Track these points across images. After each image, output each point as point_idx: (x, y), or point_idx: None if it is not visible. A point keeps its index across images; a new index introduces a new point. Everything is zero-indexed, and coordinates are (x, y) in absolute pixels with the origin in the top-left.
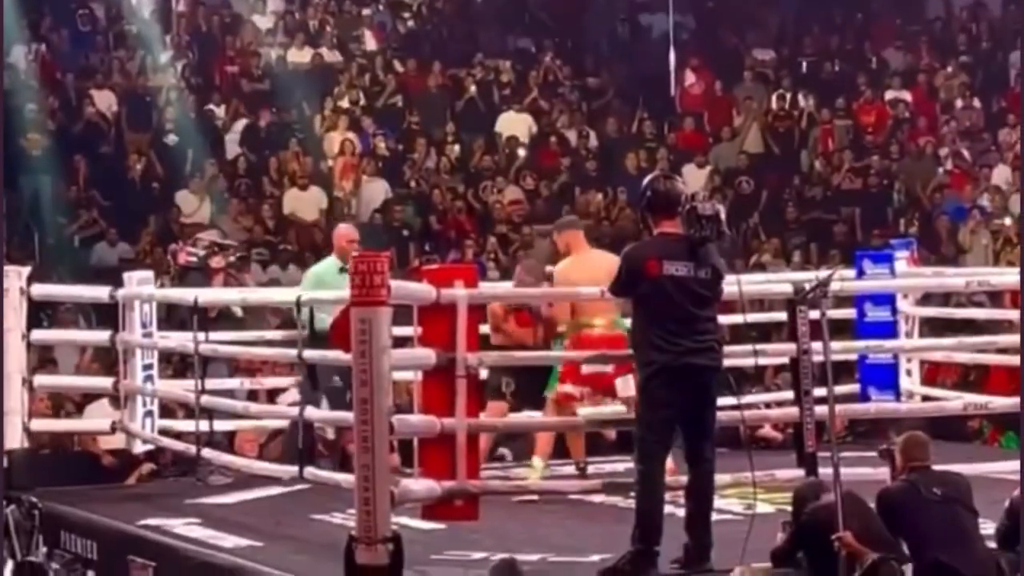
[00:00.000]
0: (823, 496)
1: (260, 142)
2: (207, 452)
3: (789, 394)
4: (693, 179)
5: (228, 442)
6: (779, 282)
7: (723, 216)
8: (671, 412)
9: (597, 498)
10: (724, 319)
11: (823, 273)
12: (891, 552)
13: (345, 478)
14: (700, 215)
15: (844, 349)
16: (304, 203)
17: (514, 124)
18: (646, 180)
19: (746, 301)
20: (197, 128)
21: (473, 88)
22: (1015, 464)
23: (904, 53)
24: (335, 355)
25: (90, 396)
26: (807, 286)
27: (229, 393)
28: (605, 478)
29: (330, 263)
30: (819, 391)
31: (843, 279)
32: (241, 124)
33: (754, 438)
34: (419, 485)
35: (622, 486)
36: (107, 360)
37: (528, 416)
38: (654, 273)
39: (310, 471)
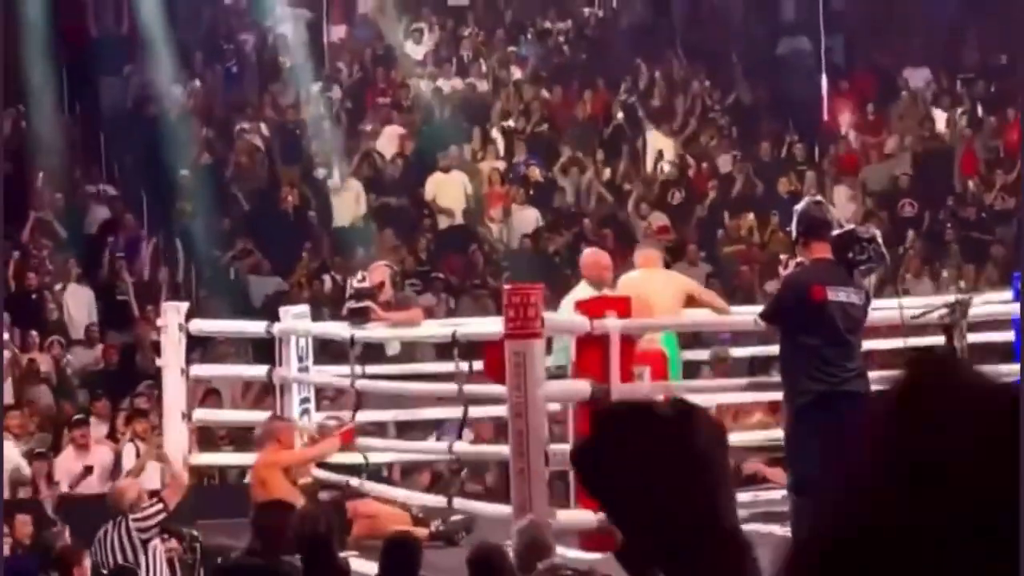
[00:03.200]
0: None
1: (411, 173)
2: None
3: None
4: (845, 202)
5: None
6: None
7: (880, 239)
8: (823, 440)
9: (751, 526)
10: (881, 343)
11: (937, 300)
12: None
13: (497, 509)
14: (859, 238)
15: (1002, 375)
16: (455, 231)
17: (663, 148)
18: (799, 205)
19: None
20: (348, 159)
21: (620, 115)
22: None
23: None
24: (495, 390)
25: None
26: (938, 312)
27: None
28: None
29: (584, 290)
30: None
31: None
32: (392, 155)
33: None
34: (576, 516)
35: (778, 515)
36: (261, 391)
37: None
38: (819, 298)
39: (459, 502)
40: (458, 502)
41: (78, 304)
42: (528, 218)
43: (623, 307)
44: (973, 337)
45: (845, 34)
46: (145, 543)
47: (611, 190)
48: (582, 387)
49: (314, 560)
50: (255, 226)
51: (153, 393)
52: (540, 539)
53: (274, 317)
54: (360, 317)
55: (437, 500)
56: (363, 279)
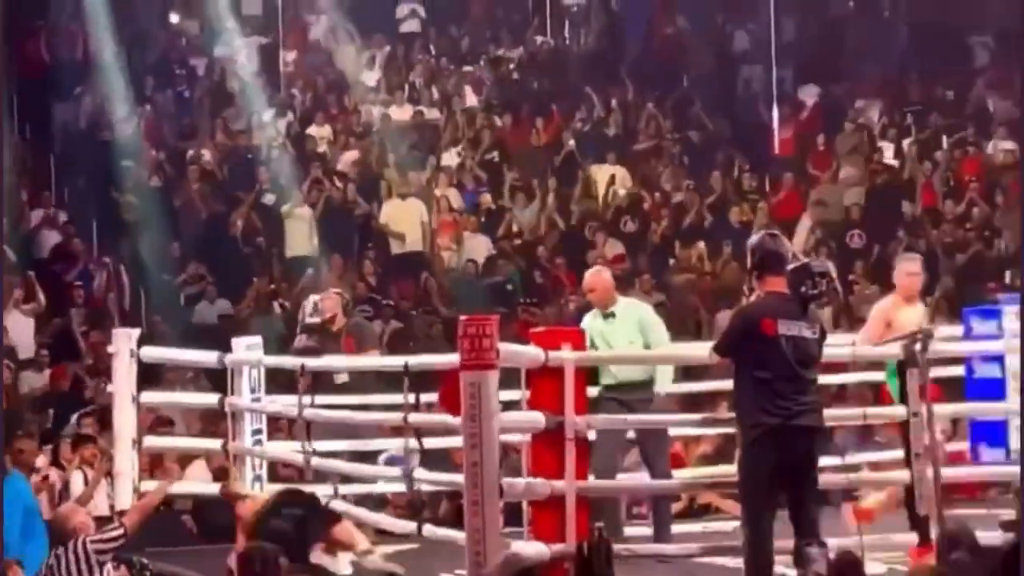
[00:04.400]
0: None
1: (362, 199)
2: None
3: (891, 454)
4: (796, 232)
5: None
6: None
7: (834, 273)
8: (776, 473)
9: (705, 559)
10: (834, 379)
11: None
12: None
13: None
14: (813, 272)
15: (953, 413)
16: (406, 258)
17: (616, 177)
18: (753, 239)
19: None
20: (299, 185)
21: (572, 142)
22: None
23: (1009, 102)
24: (442, 419)
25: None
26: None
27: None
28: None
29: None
30: None
31: (934, 338)
32: (343, 181)
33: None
34: (529, 548)
35: (731, 548)
36: (212, 418)
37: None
38: (770, 332)
39: (429, 528)
40: (427, 529)
41: (19, 330)
42: (480, 246)
43: (578, 339)
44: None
45: (796, 65)
46: (101, 565)
47: (564, 218)
48: (537, 418)
49: None
50: (205, 251)
51: (96, 419)
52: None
53: (225, 342)
54: (312, 354)
55: (405, 526)
56: (314, 311)
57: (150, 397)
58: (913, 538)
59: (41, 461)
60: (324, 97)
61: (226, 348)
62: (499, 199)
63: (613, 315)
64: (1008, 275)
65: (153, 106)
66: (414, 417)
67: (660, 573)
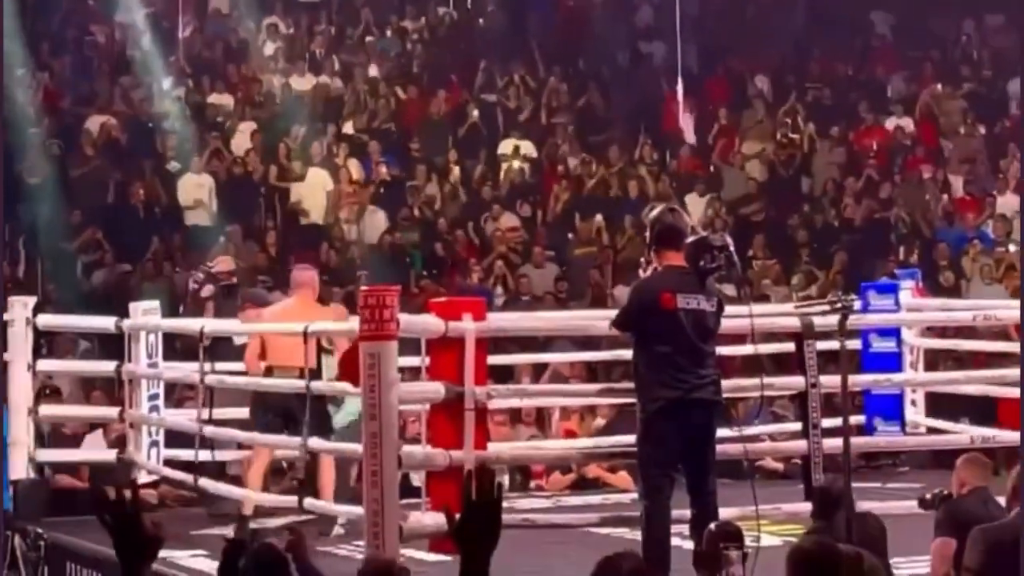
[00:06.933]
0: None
1: (262, 169)
2: (207, 482)
3: (790, 425)
4: (696, 207)
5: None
6: (786, 314)
7: (732, 247)
8: (675, 446)
9: (603, 530)
10: (733, 350)
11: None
12: None
13: (348, 510)
14: (711, 245)
15: (854, 384)
16: (307, 229)
17: (516, 150)
18: (653, 213)
19: (756, 333)
20: (199, 154)
21: (475, 114)
22: None
23: (906, 80)
24: (342, 387)
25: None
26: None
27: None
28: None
29: None
30: (826, 423)
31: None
32: (243, 151)
33: (755, 468)
34: (428, 518)
35: (628, 519)
36: (109, 388)
37: (534, 446)
38: (669, 306)
39: (309, 502)
40: (308, 503)
41: None
42: (379, 217)
43: (479, 309)
44: (822, 345)
45: (700, 41)
46: None
47: (465, 190)
48: (436, 388)
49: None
50: (104, 219)
51: None
52: None
53: (122, 310)
54: (231, 298)
55: (286, 500)
56: (214, 264)
57: (46, 365)
58: (807, 507)
59: None
60: (224, 66)
61: (123, 315)
62: (400, 171)
63: None
64: (902, 250)
65: (51, 73)
66: (316, 384)
67: (559, 544)
